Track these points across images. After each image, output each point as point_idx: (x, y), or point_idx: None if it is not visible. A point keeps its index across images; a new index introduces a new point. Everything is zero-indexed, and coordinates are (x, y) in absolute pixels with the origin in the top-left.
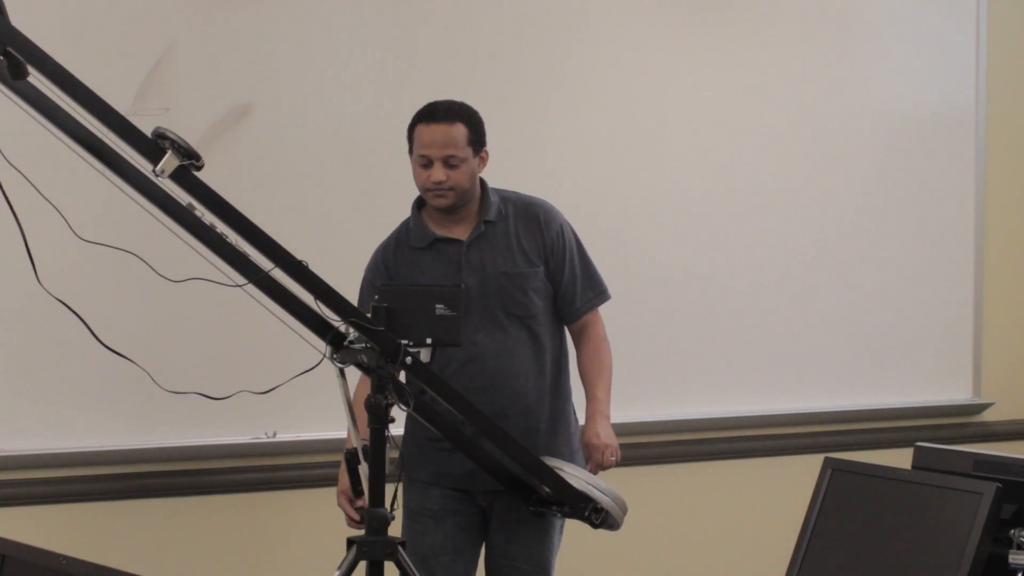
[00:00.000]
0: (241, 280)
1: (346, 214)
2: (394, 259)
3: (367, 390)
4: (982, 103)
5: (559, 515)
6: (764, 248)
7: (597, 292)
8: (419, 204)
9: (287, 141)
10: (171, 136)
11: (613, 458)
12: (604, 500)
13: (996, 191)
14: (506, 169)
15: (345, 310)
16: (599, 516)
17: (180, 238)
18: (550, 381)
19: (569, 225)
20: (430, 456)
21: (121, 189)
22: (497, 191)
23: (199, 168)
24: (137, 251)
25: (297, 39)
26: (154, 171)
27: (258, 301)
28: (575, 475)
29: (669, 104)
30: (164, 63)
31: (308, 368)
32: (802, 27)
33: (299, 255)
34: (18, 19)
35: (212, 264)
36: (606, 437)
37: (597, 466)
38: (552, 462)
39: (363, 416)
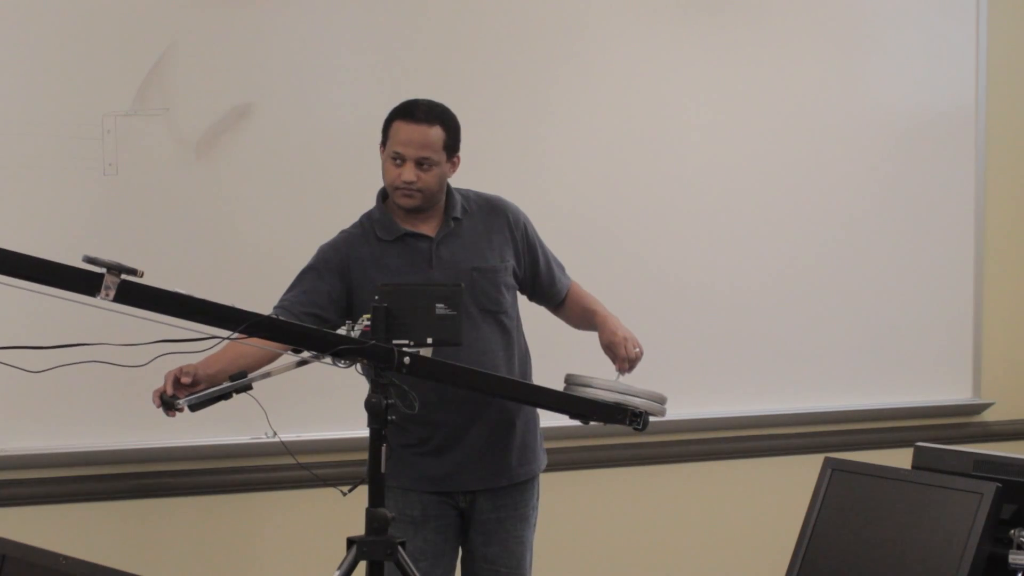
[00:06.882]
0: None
1: (346, 214)
2: (361, 248)
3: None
4: (982, 103)
5: (603, 423)
6: (764, 248)
7: (564, 269)
8: (384, 195)
9: (287, 141)
10: (101, 260)
11: (636, 349)
12: (639, 403)
13: (996, 191)
14: (504, 169)
15: (328, 341)
16: (639, 420)
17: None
18: (519, 375)
19: (528, 216)
20: (408, 461)
21: (89, 304)
22: (458, 190)
23: (140, 277)
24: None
25: (297, 39)
26: (98, 297)
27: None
28: (604, 389)
29: (669, 104)
30: (164, 63)
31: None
32: (801, 27)
33: (298, 255)
34: (19, 20)
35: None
36: (623, 331)
37: (624, 361)
38: (578, 380)
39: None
